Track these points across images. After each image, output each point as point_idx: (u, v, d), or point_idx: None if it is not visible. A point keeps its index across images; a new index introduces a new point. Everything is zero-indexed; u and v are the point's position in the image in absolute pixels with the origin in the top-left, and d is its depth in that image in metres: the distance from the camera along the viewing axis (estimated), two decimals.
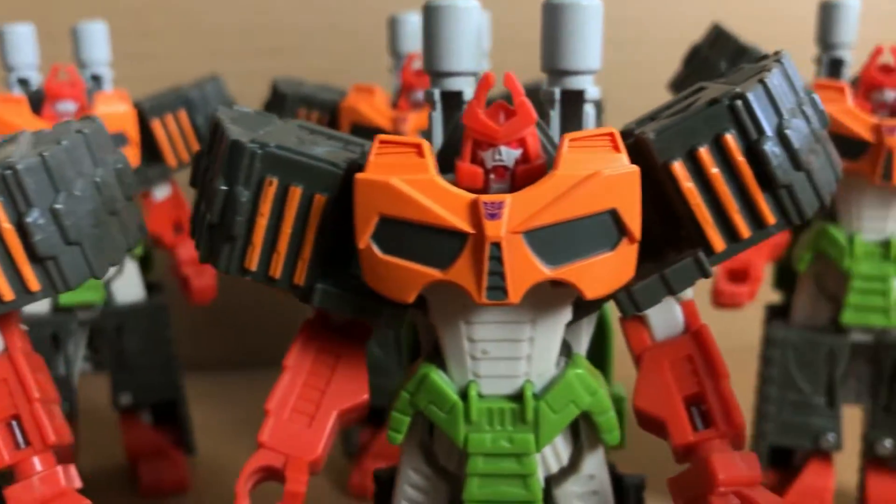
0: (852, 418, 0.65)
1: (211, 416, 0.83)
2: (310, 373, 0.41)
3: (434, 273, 0.35)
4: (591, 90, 0.43)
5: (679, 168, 0.36)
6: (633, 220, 0.35)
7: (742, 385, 0.67)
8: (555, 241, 0.35)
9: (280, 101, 0.70)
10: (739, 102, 0.36)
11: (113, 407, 0.72)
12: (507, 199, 0.34)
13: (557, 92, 0.43)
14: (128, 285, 0.71)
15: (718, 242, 0.37)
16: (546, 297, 0.37)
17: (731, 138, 0.36)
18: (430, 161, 0.36)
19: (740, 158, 0.36)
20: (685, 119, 0.36)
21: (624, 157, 0.35)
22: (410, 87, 0.69)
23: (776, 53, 0.40)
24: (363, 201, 0.35)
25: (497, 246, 0.34)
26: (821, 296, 0.64)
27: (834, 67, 0.66)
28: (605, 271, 0.35)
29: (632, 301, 0.37)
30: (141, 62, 0.95)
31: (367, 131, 0.67)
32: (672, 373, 0.40)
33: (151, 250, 0.75)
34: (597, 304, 0.39)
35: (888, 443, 0.62)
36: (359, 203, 0.36)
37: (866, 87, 0.60)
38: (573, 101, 0.43)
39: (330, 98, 0.70)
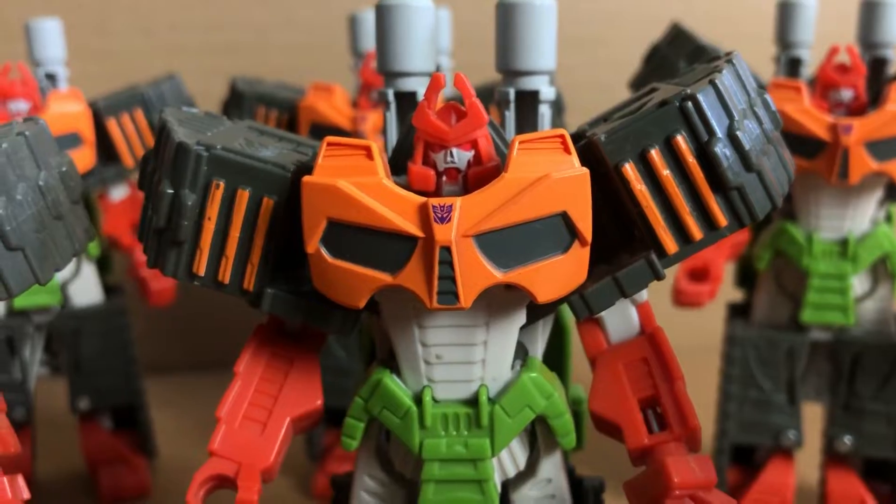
0: (815, 415, 0.66)
1: (173, 419, 0.82)
2: (262, 379, 0.40)
3: (384, 277, 0.35)
4: (546, 90, 0.43)
5: (630, 170, 0.36)
6: (584, 222, 0.35)
7: (708, 383, 0.68)
8: (506, 244, 0.34)
9: (238, 100, 0.69)
10: (689, 104, 0.35)
11: (71, 412, 0.70)
12: (457, 202, 0.34)
13: (512, 92, 0.43)
14: (85, 288, 0.70)
15: (671, 244, 0.37)
16: (499, 300, 0.37)
17: (681, 140, 0.36)
18: (380, 163, 0.35)
19: (691, 160, 0.36)
20: (636, 121, 0.36)
21: (574, 159, 0.35)
22: (370, 86, 0.68)
23: (728, 54, 0.40)
24: (310, 205, 0.35)
25: (447, 250, 0.33)
26: (780, 294, 0.64)
27: (792, 66, 0.66)
28: (556, 274, 0.35)
29: (585, 304, 0.37)
30: (101, 59, 0.94)
31: (326, 130, 0.66)
32: (627, 375, 0.39)
33: (109, 252, 0.73)
34: (552, 307, 0.39)
35: (847, 440, 0.63)
36: (306, 207, 0.35)
37: (823, 87, 0.60)
38: (528, 101, 0.43)
39: (289, 97, 0.69)
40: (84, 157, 0.66)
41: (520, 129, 0.44)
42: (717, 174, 0.36)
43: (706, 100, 0.36)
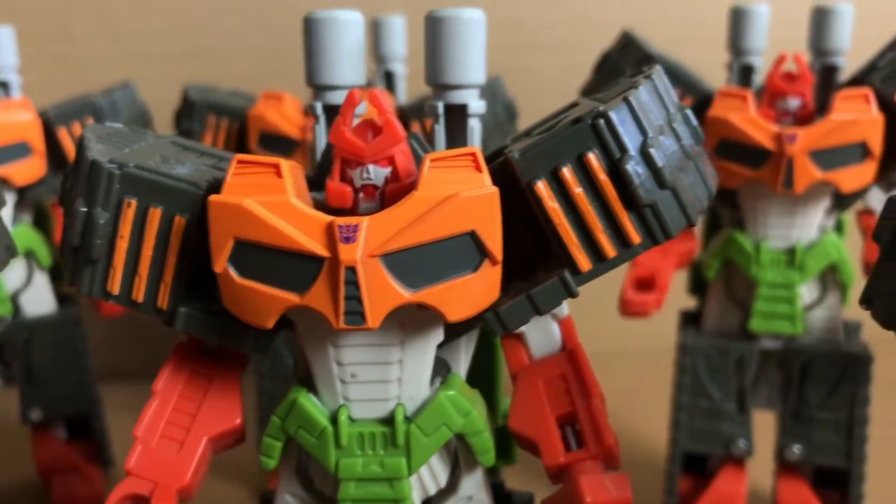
0: (769, 423, 0.66)
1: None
2: (181, 397, 0.40)
3: (292, 298, 0.34)
4: (475, 104, 0.42)
5: (542, 188, 0.36)
6: (494, 241, 0.34)
7: (665, 389, 0.68)
8: (414, 263, 0.34)
9: (189, 109, 0.69)
10: (602, 121, 0.35)
11: (23, 422, 0.70)
12: (364, 221, 0.33)
13: (440, 106, 0.42)
14: (37, 297, 0.70)
15: (584, 262, 0.36)
16: (413, 319, 0.37)
17: (593, 158, 0.35)
18: (289, 182, 0.35)
19: (603, 178, 0.35)
20: (549, 138, 0.36)
21: (485, 177, 0.35)
22: None
23: (648, 69, 0.39)
24: (217, 224, 0.34)
25: (352, 270, 0.33)
26: (730, 303, 0.64)
27: (745, 73, 0.66)
28: (467, 293, 0.35)
29: (499, 321, 0.37)
30: (62, 66, 0.93)
31: (274, 139, 0.66)
32: (546, 392, 0.39)
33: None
34: (472, 324, 0.39)
35: (796, 448, 0.62)
36: (213, 226, 0.35)
37: (771, 95, 0.60)
38: (457, 115, 0.43)
39: (240, 105, 0.69)
40: (34, 167, 0.66)
41: (450, 143, 0.43)
42: (629, 192, 0.35)
43: (618, 117, 0.35)
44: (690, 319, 0.67)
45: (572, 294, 0.36)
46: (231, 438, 0.40)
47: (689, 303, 0.71)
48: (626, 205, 0.36)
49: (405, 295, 0.34)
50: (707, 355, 0.63)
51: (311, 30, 0.42)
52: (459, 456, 0.40)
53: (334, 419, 0.38)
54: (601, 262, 0.36)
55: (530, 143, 0.36)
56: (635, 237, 0.36)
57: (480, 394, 0.42)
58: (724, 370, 0.63)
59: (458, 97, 0.42)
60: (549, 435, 0.38)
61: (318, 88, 0.43)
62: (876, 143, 0.56)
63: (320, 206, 0.37)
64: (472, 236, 0.34)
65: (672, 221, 0.36)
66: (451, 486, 0.41)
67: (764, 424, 0.65)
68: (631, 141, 0.35)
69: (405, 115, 0.69)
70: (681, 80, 0.62)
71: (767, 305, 0.61)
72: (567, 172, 0.36)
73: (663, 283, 0.63)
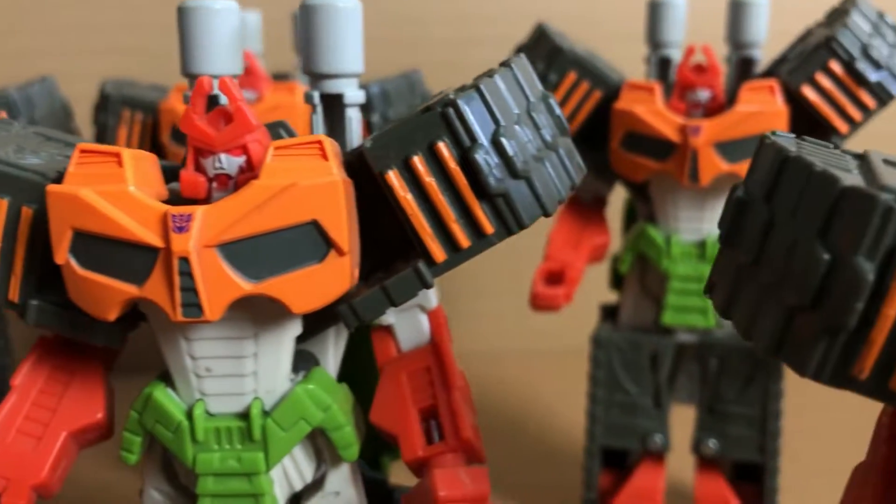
0: (691, 417, 0.65)
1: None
2: (41, 392, 0.39)
3: (130, 289, 0.34)
4: (352, 94, 0.42)
5: (394, 177, 0.35)
6: (339, 232, 0.34)
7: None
8: (255, 254, 0.33)
9: (105, 103, 0.68)
10: (451, 110, 0.35)
11: None
12: (198, 210, 0.33)
13: (316, 96, 0.42)
14: None
15: (438, 252, 0.36)
16: (265, 311, 0.36)
17: (443, 146, 0.35)
18: (130, 171, 0.34)
19: (453, 167, 0.35)
20: (399, 127, 0.35)
21: (331, 165, 0.34)
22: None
23: (510, 59, 0.39)
24: (56, 215, 0.34)
25: (185, 260, 0.32)
26: (645, 296, 0.63)
27: (663, 66, 0.65)
28: (312, 284, 0.34)
29: (354, 313, 0.36)
30: (11, 59, 0.92)
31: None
32: (410, 385, 0.39)
33: None
34: (334, 316, 0.38)
35: (712, 443, 0.62)
36: (52, 216, 0.34)
37: (681, 88, 0.60)
38: (335, 105, 0.42)
39: (153, 99, 0.68)
40: None
41: (330, 133, 0.43)
42: (479, 181, 0.35)
43: (468, 106, 0.35)
44: (609, 313, 0.67)
45: (426, 285, 0.36)
46: (95, 433, 0.40)
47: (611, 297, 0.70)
48: (478, 194, 0.35)
49: (245, 286, 0.33)
50: (620, 349, 0.62)
51: (184, 19, 0.41)
52: (325, 451, 0.40)
53: (190, 414, 0.37)
54: (456, 253, 0.36)
55: (382, 132, 0.36)
56: (489, 227, 0.35)
57: (368, 388, 0.41)
58: (639, 365, 0.62)
59: (333, 86, 0.42)
60: (409, 428, 0.38)
61: (192, 78, 0.42)
62: None
63: (176, 196, 0.36)
64: (316, 226, 0.34)
65: (525, 211, 0.35)
66: (318, 482, 0.40)
67: (688, 419, 0.65)
68: (482, 130, 0.35)
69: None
70: (589, 73, 0.61)
71: (679, 299, 0.60)
72: (418, 161, 0.35)
73: (573, 277, 0.63)
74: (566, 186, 0.38)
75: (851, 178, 0.27)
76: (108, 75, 0.78)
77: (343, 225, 0.34)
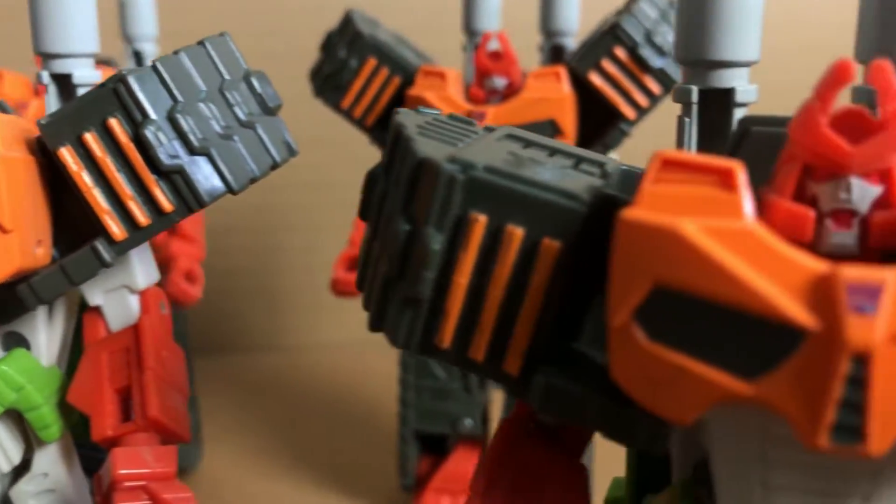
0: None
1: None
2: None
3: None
4: (82, 73, 0.41)
5: (67, 154, 0.35)
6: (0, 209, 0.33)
7: None
8: None
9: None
10: (122, 86, 0.34)
11: None
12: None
13: (46, 75, 0.41)
14: None
15: (117, 230, 0.36)
16: None
17: (115, 122, 0.35)
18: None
19: (126, 142, 0.35)
20: (74, 104, 0.35)
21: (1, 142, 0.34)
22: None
23: (208, 37, 0.39)
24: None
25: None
26: None
27: (555, 54, 0.65)
28: None
29: (33, 293, 0.36)
30: None
31: None
32: (109, 365, 0.38)
33: None
34: (14, 294, 0.36)
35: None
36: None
37: (479, 75, 0.60)
38: (66, 85, 0.42)
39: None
40: None
41: None
42: (150, 157, 0.35)
43: (140, 82, 0.35)
44: None
45: (105, 264, 0.36)
46: None
47: None
48: (154, 171, 0.35)
49: None
50: None
51: None
52: (30, 433, 0.39)
53: None
54: (137, 231, 0.36)
55: (58, 110, 0.35)
56: (167, 205, 0.35)
57: None
58: None
59: (61, 66, 0.41)
60: (100, 408, 0.38)
61: (47, 57, 0.41)
62: (566, 121, 0.56)
63: None
64: None
65: (205, 188, 0.35)
66: (26, 464, 0.40)
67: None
68: (155, 106, 0.35)
69: None
70: (388, 59, 0.61)
71: None
72: (90, 138, 0.35)
73: None
74: (264, 165, 0.38)
75: (437, 149, 0.27)
76: None
77: (3, 202, 0.33)
